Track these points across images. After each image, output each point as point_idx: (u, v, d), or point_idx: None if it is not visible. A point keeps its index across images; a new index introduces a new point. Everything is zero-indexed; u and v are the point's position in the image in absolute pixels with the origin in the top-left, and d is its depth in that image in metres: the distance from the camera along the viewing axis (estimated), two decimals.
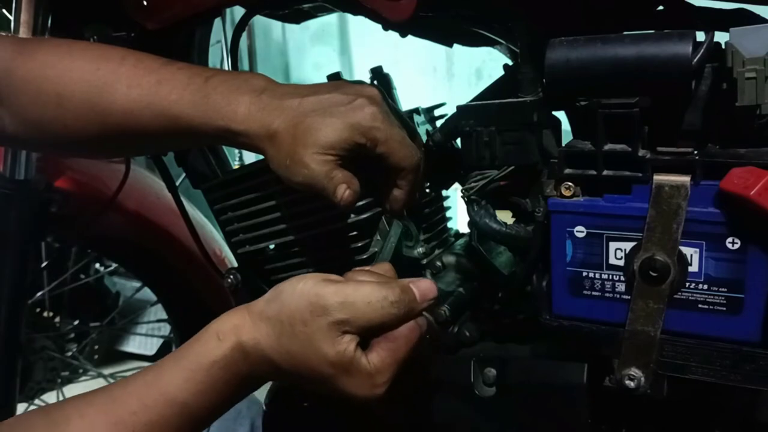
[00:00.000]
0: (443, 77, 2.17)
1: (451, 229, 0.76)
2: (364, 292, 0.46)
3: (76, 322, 1.48)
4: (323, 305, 0.45)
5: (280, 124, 0.52)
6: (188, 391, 0.46)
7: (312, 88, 0.55)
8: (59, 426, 0.46)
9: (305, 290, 0.46)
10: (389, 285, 0.47)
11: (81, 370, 1.47)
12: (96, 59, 0.57)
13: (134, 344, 1.91)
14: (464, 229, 0.67)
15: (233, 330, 0.47)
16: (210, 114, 0.53)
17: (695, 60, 0.43)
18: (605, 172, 0.46)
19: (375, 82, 0.74)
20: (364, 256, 0.64)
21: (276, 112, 0.52)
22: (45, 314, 1.33)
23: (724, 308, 0.44)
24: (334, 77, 0.66)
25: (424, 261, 0.67)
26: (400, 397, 0.48)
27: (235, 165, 0.79)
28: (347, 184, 0.52)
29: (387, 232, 0.65)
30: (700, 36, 0.44)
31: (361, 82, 0.59)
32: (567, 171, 0.48)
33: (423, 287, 0.48)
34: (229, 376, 0.47)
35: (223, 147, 0.80)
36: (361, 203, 0.61)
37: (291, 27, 2.40)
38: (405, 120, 0.63)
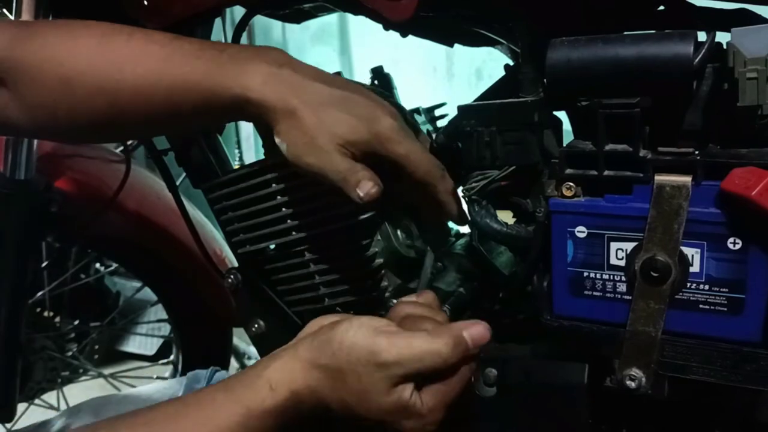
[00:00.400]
0: (443, 77, 2.17)
1: (452, 229, 0.76)
2: (418, 348, 0.45)
3: (76, 322, 1.48)
4: (378, 363, 0.44)
5: (301, 103, 0.50)
6: None
7: (337, 80, 0.53)
8: None
9: (358, 343, 0.45)
10: (443, 337, 0.46)
11: (81, 370, 1.47)
12: (101, 37, 0.55)
13: (134, 344, 1.90)
14: (465, 229, 0.67)
15: (286, 379, 0.46)
16: (224, 82, 0.51)
17: (696, 60, 0.43)
18: (606, 173, 0.46)
19: (375, 82, 0.74)
20: (366, 256, 0.64)
21: (298, 89, 0.51)
22: (45, 314, 1.33)
23: (725, 308, 0.44)
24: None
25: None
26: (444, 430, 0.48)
27: (236, 165, 0.79)
28: (372, 180, 0.51)
29: (387, 232, 0.65)
30: (702, 36, 0.44)
31: (375, 90, 0.59)
32: (568, 171, 0.47)
33: (476, 335, 0.47)
34: (283, 423, 0.46)
35: (223, 147, 0.80)
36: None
37: (291, 27, 2.40)
38: (408, 116, 0.63)
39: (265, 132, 0.63)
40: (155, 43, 0.54)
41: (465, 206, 0.59)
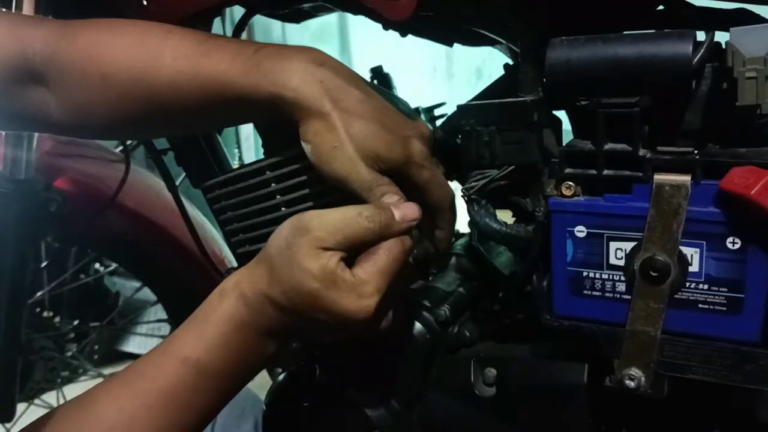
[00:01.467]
0: (443, 77, 2.17)
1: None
2: (341, 210, 0.47)
3: (75, 322, 1.48)
4: (302, 226, 0.46)
5: (336, 109, 0.50)
6: (200, 349, 0.47)
7: (371, 89, 0.53)
8: (88, 407, 0.48)
9: (288, 222, 0.48)
10: (366, 207, 0.48)
11: (81, 370, 1.47)
12: (140, 34, 0.56)
13: (134, 344, 1.91)
14: (464, 228, 0.67)
15: (234, 285, 0.49)
16: (261, 81, 0.51)
17: (695, 60, 0.43)
18: (606, 172, 0.46)
19: (375, 81, 0.74)
20: None
21: (334, 93, 0.50)
22: (45, 314, 1.33)
23: (725, 308, 0.44)
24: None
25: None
26: (386, 314, 0.49)
27: (235, 165, 0.79)
28: (398, 195, 0.50)
29: None
30: (701, 36, 0.44)
31: (412, 115, 0.59)
32: (567, 170, 0.48)
33: (404, 208, 0.48)
34: (236, 327, 0.48)
35: (223, 146, 0.80)
36: None
37: (291, 27, 2.40)
38: (408, 108, 0.63)
39: (265, 132, 0.63)
40: (193, 40, 0.54)
41: (464, 207, 0.59)
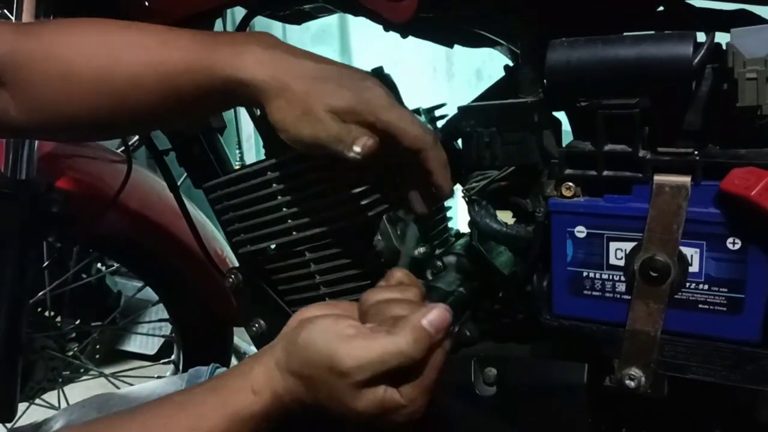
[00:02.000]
0: (443, 77, 2.17)
1: (452, 228, 0.77)
2: (377, 351, 0.44)
3: (77, 322, 1.48)
4: (339, 372, 0.44)
5: (292, 78, 0.51)
6: None
7: (324, 58, 0.54)
8: None
9: (319, 351, 0.45)
10: (402, 334, 0.45)
11: (82, 370, 1.47)
12: (99, 30, 0.56)
13: (136, 344, 1.91)
14: (465, 229, 0.67)
15: (268, 384, 0.47)
16: (216, 64, 0.52)
17: (696, 60, 0.43)
18: (605, 173, 0.47)
19: None
20: (366, 256, 0.64)
21: (289, 67, 0.52)
22: (46, 314, 1.33)
23: (725, 308, 0.44)
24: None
25: (425, 260, 0.67)
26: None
27: (237, 165, 0.79)
28: (366, 134, 0.51)
29: (387, 232, 0.65)
30: (701, 37, 0.44)
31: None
32: (567, 171, 0.48)
33: (436, 321, 0.46)
34: (269, 424, 0.48)
35: (224, 147, 0.80)
36: (364, 201, 0.61)
37: (291, 28, 2.39)
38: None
39: (266, 132, 0.63)
40: (150, 32, 0.55)
41: (465, 206, 0.59)
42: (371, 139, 0.51)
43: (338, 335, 0.46)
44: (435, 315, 0.46)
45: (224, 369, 0.77)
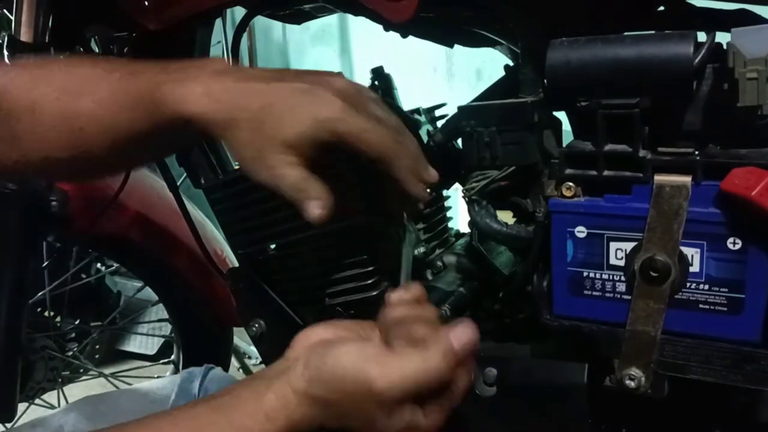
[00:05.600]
0: (443, 77, 2.17)
1: (452, 229, 0.77)
2: (410, 370, 0.44)
3: (77, 322, 1.48)
4: (373, 393, 0.44)
5: (240, 111, 0.48)
6: None
7: (278, 72, 0.51)
8: None
9: (349, 374, 0.45)
10: (433, 353, 0.45)
11: (82, 370, 1.47)
12: (68, 67, 0.55)
13: (135, 344, 1.91)
14: (465, 229, 0.67)
15: (282, 410, 0.46)
16: (161, 99, 0.48)
17: (696, 60, 0.43)
18: (606, 173, 0.47)
19: (376, 82, 0.74)
20: (365, 257, 0.64)
21: (236, 95, 0.48)
22: (46, 314, 1.33)
23: (725, 308, 0.44)
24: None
25: (425, 260, 0.67)
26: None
27: (237, 165, 0.79)
28: (320, 199, 0.48)
29: (388, 233, 0.65)
30: (702, 36, 0.44)
31: (329, 73, 0.53)
32: (568, 171, 0.48)
33: (464, 339, 0.46)
34: None
35: (224, 147, 0.80)
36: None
37: (291, 27, 2.40)
38: (406, 116, 0.63)
39: None
40: (114, 68, 0.53)
41: (465, 206, 0.59)
42: (321, 209, 0.47)
43: (369, 357, 0.45)
44: (462, 332, 0.46)
45: (218, 370, 0.77)
